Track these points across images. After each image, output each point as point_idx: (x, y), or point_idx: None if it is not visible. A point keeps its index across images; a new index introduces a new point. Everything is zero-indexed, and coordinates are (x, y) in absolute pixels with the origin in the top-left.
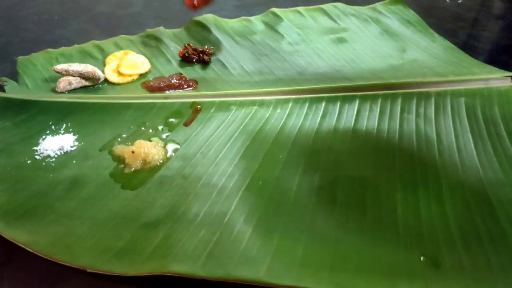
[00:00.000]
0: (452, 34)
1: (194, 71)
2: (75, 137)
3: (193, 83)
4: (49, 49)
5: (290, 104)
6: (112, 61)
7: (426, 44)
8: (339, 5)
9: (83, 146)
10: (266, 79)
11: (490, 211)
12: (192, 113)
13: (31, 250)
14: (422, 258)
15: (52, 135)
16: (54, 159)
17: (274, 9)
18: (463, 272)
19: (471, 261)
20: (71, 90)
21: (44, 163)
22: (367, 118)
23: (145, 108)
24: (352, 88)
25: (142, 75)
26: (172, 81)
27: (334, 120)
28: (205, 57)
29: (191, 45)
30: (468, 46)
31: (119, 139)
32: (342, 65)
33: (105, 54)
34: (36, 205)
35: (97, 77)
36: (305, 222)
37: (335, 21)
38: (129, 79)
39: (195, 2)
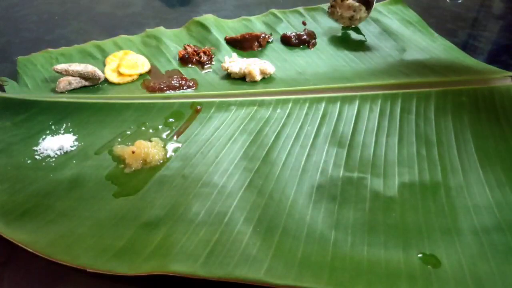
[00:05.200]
0: (452, 34)
1: (194, 71)
2: (75, 137)
3: (193, 83)
4: (49, 49)
5: (290, 104)
6: (112, 61)
7: (426, 44)
8: None
9: (83, 146)
10: (266, 79)
11: (489, 210)
12: (183, 124)
13: (31, 250)
14: (420, 255)
15: (52, 135)
16: (54, 159)
17: (274, 10)
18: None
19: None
20: (71, 90)
21: (44, 163)
22: (367, 118)
23: (145, 108)
24: (352, 88)
25: (142, 75)
26: (172, 82)
27: (334, 120)
28: (205, 57)
29: (191, 45)
30: (468, 46)
31: (119, 139)
32: (342, 65)
33: (105, 54)
34: (36, 205)
35: (97, 77)
36: (305, 222)
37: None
38: (129, 79)
39: None
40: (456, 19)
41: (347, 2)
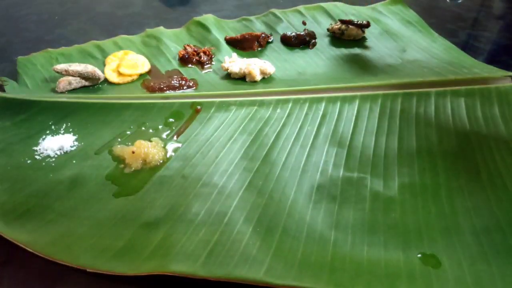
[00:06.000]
0: (452, 34)
1: (194, 71)
2: (75, 137)
3: (193, 83)
4: (49, 49)
5: (290, 104)
6: (112, 61)
7: (426, 44)
8: (340, 4)
9: (83, 146)
10: (265, 79)
11: (489, 210)
12: (183, 124)
13: (31, 250)
14: (420, 256)
15: (52, 135)
16: (54, 159)
17: (274, 10)
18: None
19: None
20: (71, 90)
21: (44, 163)
22: (367, 118)
23: (145, 108)
24: (352, 88)
25: (142, 75)
26: (172, 82)
27: (334, 120)
28: (205, 57)
29: (191, 45)
30: (468, 46)
31: (119, 139)
32: (342, 65)
33: (105, 54)
34: (36, 205)
35: (97, 77)
36: (305, 222)
37: (336, 20)
38: (129, 79)
39: None
40: (456, 19)
41: (347, 31)
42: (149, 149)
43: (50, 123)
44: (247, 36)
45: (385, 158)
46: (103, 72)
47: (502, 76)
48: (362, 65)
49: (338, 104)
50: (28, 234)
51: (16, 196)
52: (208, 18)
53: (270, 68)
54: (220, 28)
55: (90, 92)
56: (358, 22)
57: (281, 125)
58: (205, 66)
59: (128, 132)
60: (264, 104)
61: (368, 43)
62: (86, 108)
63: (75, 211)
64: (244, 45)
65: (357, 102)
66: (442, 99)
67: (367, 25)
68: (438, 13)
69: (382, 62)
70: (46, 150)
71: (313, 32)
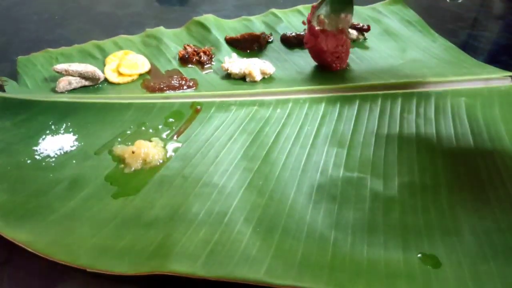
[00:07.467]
0: (452, 34)
1: (194, 71)
2: (75, 137)
3: (193, 83)
4: (49, 49)
5: (290, 104)
6: (112, 61)
7: (426, 44)
8: None
9: (83, 146)
10: (265, 79)
11: (489, 210)
12: (183, 124)
13: (31, 250)
14: (420, 256)
15: (52, 135)
16: (54, 159)
17: (274, 10)
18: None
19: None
20: (71, 90)
21: (44, 163)
22: (367, 118)
23: (145, 108)
24: (352, 88)
25: (142, 75)
26: (172, 82)
27: (334, 120)
28: (205, 57)
29: (191, 45)
30: (468, 46)
31: (119, 139)
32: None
33: (105, 54)
34: (36, 205)
35: (97, 77)
36: (305, 222)
37: None
38: (129, 79)
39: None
40: (456, 19)
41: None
42: (149, 149)
43: (50, 123)
44: (247, 36)
45: (385, 158)
46: (103, 72)
47: (502, 76)
48: (362, 65)
49: (338, 104)
50: (28, 234)
51: (16, 196)
52: (208, 18)
53: (270, 68)
54: (220, 28)
55: (90, 92)
56: (358, 26)
57: (281, 125)
58: (205, 66)
59: (128, 132)
60: (264, 104)
61: (368, 43)
62: (86, 108)
63: (75, 211)
64: (244, 45)
65: (357, 102)
66: (442, 99)
67: (367, 29)
68: (438, 13)
69: (382, 62)
70: (46, 150)
71: None
